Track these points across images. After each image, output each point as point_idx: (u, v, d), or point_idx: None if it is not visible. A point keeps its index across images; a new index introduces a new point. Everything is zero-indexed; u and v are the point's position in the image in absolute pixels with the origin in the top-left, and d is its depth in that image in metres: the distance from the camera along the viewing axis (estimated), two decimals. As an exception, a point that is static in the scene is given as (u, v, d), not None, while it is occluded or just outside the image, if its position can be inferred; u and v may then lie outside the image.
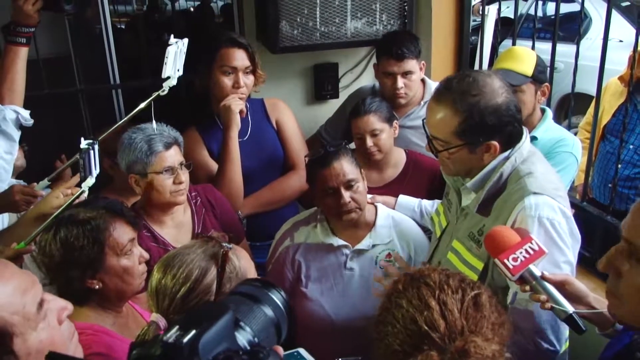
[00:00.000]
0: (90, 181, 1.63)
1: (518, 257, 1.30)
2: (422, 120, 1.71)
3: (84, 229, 1.44)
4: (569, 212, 1.54)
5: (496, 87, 1.52)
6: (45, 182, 1.90)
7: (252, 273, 1.36)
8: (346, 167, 1.92)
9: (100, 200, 1.56)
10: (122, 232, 1.50)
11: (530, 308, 1.45)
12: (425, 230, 2.12)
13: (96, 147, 1.65)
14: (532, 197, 1.47)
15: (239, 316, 0.92)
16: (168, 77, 1.83)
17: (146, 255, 1.57)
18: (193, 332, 0.80)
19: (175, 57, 1.82)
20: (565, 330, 1.51)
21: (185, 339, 0.78)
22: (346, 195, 1.91)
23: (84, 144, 1.64)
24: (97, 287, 1.46)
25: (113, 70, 3.63)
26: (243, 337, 0.90)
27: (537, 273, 1.31)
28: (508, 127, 1.53)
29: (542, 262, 1.35)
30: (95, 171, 1.63)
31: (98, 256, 1.44)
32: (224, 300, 1.02)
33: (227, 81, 2.26)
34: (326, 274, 2.02)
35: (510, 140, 1.56)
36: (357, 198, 1.93)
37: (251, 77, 2.31)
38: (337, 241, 2.01)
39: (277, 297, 1.01)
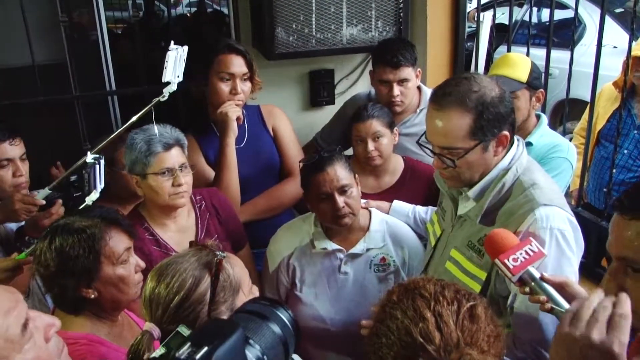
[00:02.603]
0: (95, 196, 1.63)
1: (518, 257, 1.31)
2: (420, 139, 1.63)
3: (79, 238, 1.42)
4: (575, 220, 1.55)
5: (490, 80, 1.55)
6: (46, 190, 1.90)
7: (246, 281, 1.35)
8: (340, 172, 1.92)
9: (96, 209, 1.54)
10: (118, 241, 1.48)
11: (534, 315, 1.44)
12: (420, 237, 2.12)
13: (102, 161, 1.65)
14: (542, 209, 1.48)
15: (248, 334, 0.94)
16: (168, 83, 1.83)
17: (142, 264, 1.55)
18: (205, 349, 0.82)
19: (175, 62, 1.82)
20: None
21: (198, 356, 0.80)
22: (340, 200, 1.91)
23: (89, 158, 1.64)
24: (93, 296, 1.45)
25: (109, 77, 3.63)
26: (252, 354, 0.92)
27: (537, 274, 1.31)
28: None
29: (550, 272, 1.36)
30: (100, 186, 1.63)
31: (93, 265, 1.43)
32: (233, 317, 1.04)
33: (225, 87, 2.26)
34: (320, 278, 2.02)
35: (513, 130, 1.56)
36: (351, 203, 1.94)
37: (248, 84, 2.30)
38: (332, 245, 2.01)
39: (284, 315, 1.03)
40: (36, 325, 0.97)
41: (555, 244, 1.46)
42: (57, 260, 1.41)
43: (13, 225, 2.20)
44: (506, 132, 1.52)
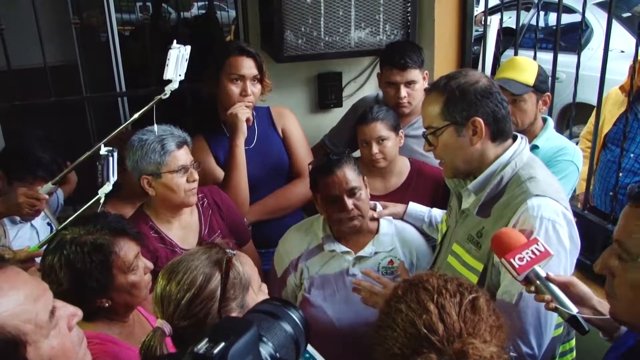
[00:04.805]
0: (107, 188, 1.64)
1: (524, 257, 1.32)
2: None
3: (90, 255, 1.43)
4: (571, 215, 1.56)
5: (480, 75, 1.61)
6: (49, 185, 1.92)
7: (255, 279, 1.37)
8: (349, 174, 1.94)
9: (100, 218, 1.53)
10: (128, 250, 1.50)
11: (514, 303, 1.45)
12: (430, 238, 2.13)
13: (115, 154, 1.67)
14: (534, 199, 1.49)
15: (261, 332, 0.98)
16: (170, 81, 1.85)
17: (150, 265, 1.58)
18: (222, 344, 0.85)
19: (177, 60, 1.84)
20: (548, 336, 1.51)
21: (216, 351, 0.84)
22: (349, 202, 1.93)
23: (103, 150, 1.66)
24: (107, 305, 1.47)
25: (119, 78, 3.66)
26: (265, 351, 0.96)
27: (542, 274, 1.33)
28: (490, 104, 1.56)
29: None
30: (113, 178, 1.64)
31: (107, 279, 1.44)
32: (247, 316, 1.07)
33: (235, 89, 2.28)
34: (329, 280, 2.03)
35: (497, 123, 1.57)
36: (360, 205, 1.95)
37: (258, 86, 2.33)
38: (340, 248, 2.03)
39: (295, 315, 1.07)
40: (61, 314, 1.00)
41: (545, 233, 1.46)
42: (69, 278, 1.42)
43: (5, 221, 2.21)
44: (479, 119, 1.55)
